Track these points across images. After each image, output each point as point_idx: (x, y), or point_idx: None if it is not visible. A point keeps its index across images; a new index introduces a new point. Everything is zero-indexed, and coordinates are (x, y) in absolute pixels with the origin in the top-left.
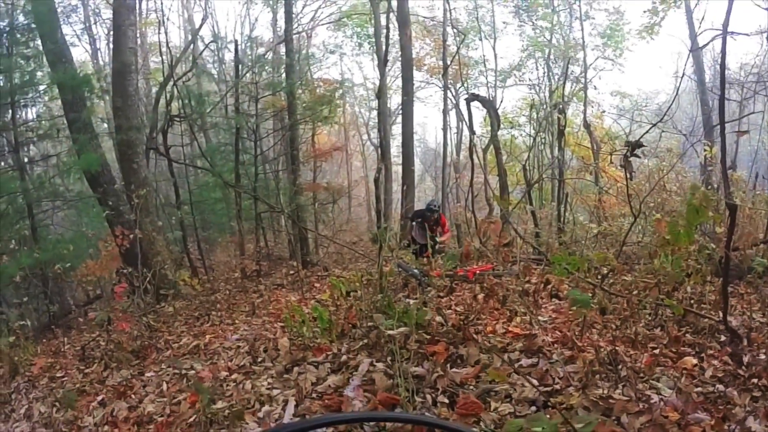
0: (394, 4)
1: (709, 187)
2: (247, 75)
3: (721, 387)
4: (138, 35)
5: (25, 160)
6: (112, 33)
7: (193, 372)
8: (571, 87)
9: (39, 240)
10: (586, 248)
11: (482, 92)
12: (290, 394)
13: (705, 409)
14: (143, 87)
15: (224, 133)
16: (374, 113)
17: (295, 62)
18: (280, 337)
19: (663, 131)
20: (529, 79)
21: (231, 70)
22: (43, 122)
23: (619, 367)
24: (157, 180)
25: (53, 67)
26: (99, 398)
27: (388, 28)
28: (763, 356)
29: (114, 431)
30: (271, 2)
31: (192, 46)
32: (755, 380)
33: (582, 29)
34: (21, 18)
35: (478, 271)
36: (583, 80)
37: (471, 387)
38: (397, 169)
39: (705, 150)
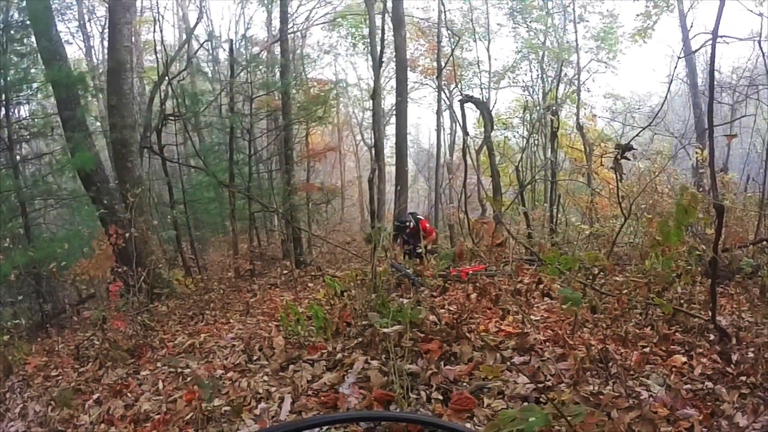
0: (389, 4)
1: (701, 189)
2: (242, 74)
3: (709, 384)
4: (133, 34)
5: (19, 158)
6: (107, 31)
7: (189, 370)
8: (565, 89)
9: (32, 239)
10: (578, 249)
11: (476, 93)
12: (286, 392)
13: (694, 406)
14: (137, 85)
15: (218, 132)
16: (368, 114)
17: (290, 62)
18: (275, 335)
19: (655, 134)
20: (523, 81)
21: (225, 70)
22: (37, 120)
23: (610, 364)
24: (151, 179)
25: (47, 65)
26: (95, 397)
27: (383, 28)
28: (751, 354)
29: (111, 429)
30: (266, 2)
31: (187, 44)
32: (744, 378)
33: (576, 32)
34: (16, 15)
35: (470, 271)
36: (576, 82)
37: (464, 384)
38: (390, 170)
39: (696, 152)
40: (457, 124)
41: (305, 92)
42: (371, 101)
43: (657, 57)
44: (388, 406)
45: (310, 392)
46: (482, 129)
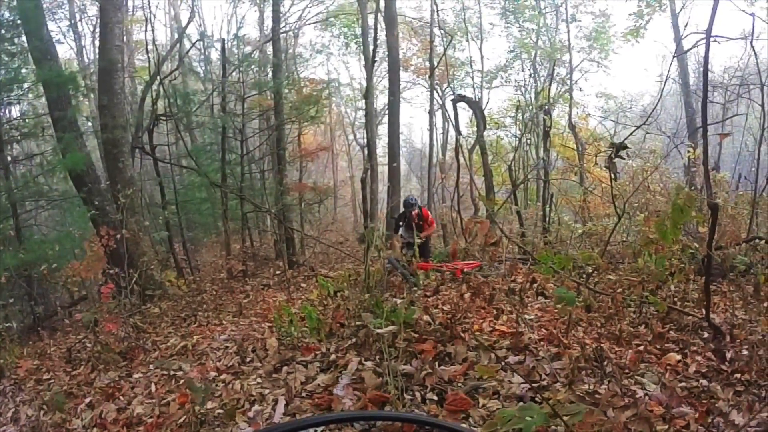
0: (382, 4)
1: (693, 187)
2: (234, 74)
3: (704, 382)
4: (124, 33)
5: (10, 158)
6: (98, 30)
7: (181, 373)
8: (557, 88)
9: (23, 240)
10: (571, 248)
11: (468, 93)
12: (280, 394)
13: (689, 403)
14: (129, 85)
15: (210, 132)
16: (360, 113)
17: (282, 61)
18: (268, 336)
19: (648, 133)
20: (516, 81)
21: (217, 69)
22: (28, 120)
23: (605, 363)
24: (142, 179)
25: (38, 65)
26: (87, 400)
27: (375, 28)
28: (745, 352)
29: None
30: (258, 1)
31: (178, 44)
32: (738, 375)
33: (568, 31)
34: (6, 14)
35: (465, 269)
36: (568, 82)
37: (459, 384)
38: (383, 169)
39: (689, 151)
40: (450, 123)
41: (297, 92)
42: (364, 101)
43: (649, 56)
44: (382, 408)
45: (304, 394)
46: (475, 128)
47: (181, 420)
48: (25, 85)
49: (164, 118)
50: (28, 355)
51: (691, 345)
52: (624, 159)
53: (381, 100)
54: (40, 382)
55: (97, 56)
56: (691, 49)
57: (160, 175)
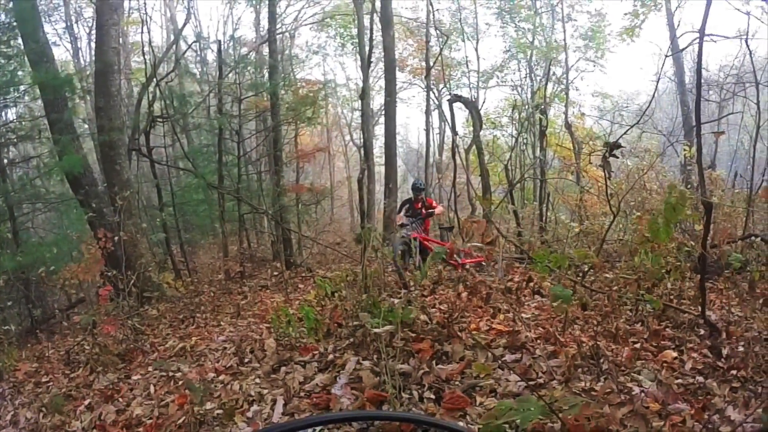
0: (378, 4)
1: (689, 186)
2: (230, 75)
3: (700, 378)
4: (120, 35)
5: (6, 161)
6: (94, 32)
7: (180, 374)
8: (553, 88)
9: (20, 243)
10: (567, 246)
11: (465, 93)
12: (278, 394)
13: (685, 400)
14: (125, 87)
15: (207, 134)
16: (357, 114)
17: (279, 63)
18: (266, 337)
19: (643, 131)
20: (512, 80)
21: (214, 71)
22: (24, 123)
23: (601, 360)
24: (139, 181)
25: (34, 67)
26: (86, 402)
27: (371, 28)
28: (741, 349)
29: None
30: (254, 2)
31: (175, 45)
32: (734, 371)
33: (564, 31)
34: (2, 16)
35: (471, 263)
36: (564, 81)
37: (456, 382)
38: (379, 170)
39: (685, 150)
40: (446, 123)
41: (294, 93)
42: (360, 101)
43: (645, 55)
44: (380, 407)
45: (302, 394)
46: (471, 128)
47: (180, 421)
48: (22, 88)
49: (161, 119)
50: (27, 358)
51: (687, 342)
52: (618, 158)
53: (377, 101)
54: (38, 385)
55: (94, 58)
56: (685, 48)
57: (157, 177)
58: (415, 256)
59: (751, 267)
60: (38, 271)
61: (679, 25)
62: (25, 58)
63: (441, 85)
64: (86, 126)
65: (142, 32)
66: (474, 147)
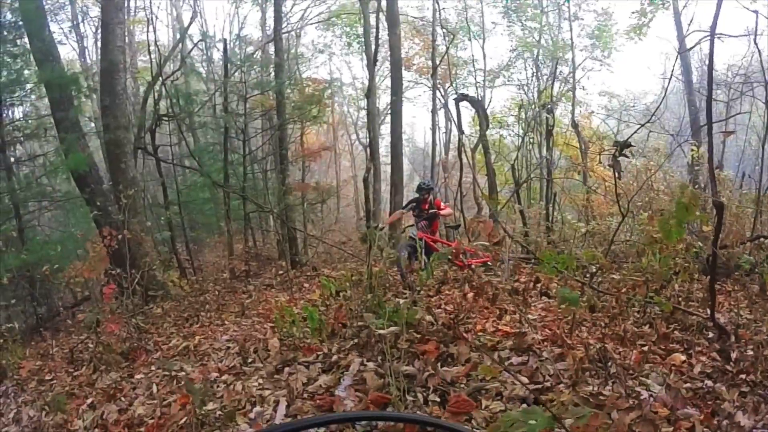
0: (384, 3)
1: (696, 186)
2: (236, 74)
3: (709, 383)
4: (126, 34)
5: (12, 159)
6: (100, 31)
7: (183, 374)
8: (560, 87)
9: (26, 241)
10: (574, 247)
11: (471, 92)
12: (281, 395)
13: (694, 405)
14: (131, 86)
15: (213, 132)
16: (363, 113)
17: (284, 61)
18: (270, 337)
19: (651, 131)
20: (518, 79)
21: (220, 69)
22: (30, 121)
23: (609, 364)
24: (145, 180)
25: (40, 66)
26: (89, 401)
27: (377, 27)
28: (750, 352)
29: None
30: (260, 1)
31: (180, 44)
32: (743, 376)
33: (571, 30)
34: (8, 15)
35: (477, 263)
36: (571, 80)
37: (462, 385)
38: (385, 169)
39: (692, 150)
40: (452, 122)
41: (300, 91)
42: (366, 100)
43: (652, 54)
44: (384, 409)
45: (305, 395)
46: (477, 127)
47: (183, 421)
48: (28, 87)
49: (166, 118)
50: (31, 356)
51: (696, 345)
52: (628, 157)
53: (383, 100)
54: (42, 383)
55: (99, 57)
56: (695, 45)
57: (163, 175)
58: (420, 257)
59: (761, 269)
60: (43, 269)
61: (692, 22)
62: (31, 57)
63: (447, 84)
64: (92, 124)
65: (147, 31)
66: (480, 146)
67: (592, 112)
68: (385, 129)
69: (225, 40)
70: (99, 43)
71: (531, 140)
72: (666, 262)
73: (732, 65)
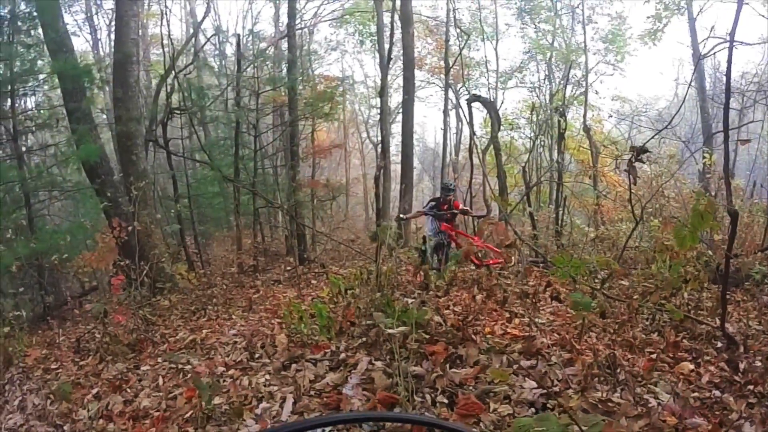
0: (398, 2)
1: (708, 194)
2: (249, 69)
3: (717, 393)
4: (140, 27)
5: (24, 149)
6: (113, 23)
7: (189, 367)
8: (572, 90)
9: (36, 230)
10: (584, 252)
11: (483, 93)
12: (288, 392)
13: (702, 415)
14: (144, 79)
15: (224, 127)
16: (373, 111)
17: (297, 58)
18: (277, 333)
19: (663, 137)
20: (530, 82)
21: (232, 64)
22: (43, 111)
23: (618, 370)
24: (155, 172)
25: (54, 57)
26: (94, 391)
27: (392, 26)
28: (759, 363)
29: (109, 425)
30: None
31: (194, 39)
32: (751, 387)
33: (584, 33)
34: (23, 6)
35: (492, 264)
36: (583, 84)
37: (470, 387)
38: (395, 168)
39: (705, 157)
40: (464, 123)
41: (312, 88)
42: (378, 99)
43: (665, 60)
44: (391, 409)
45: (312, 392)
46: (488, 129)
47: (188, 415)
48: (41, 77)
49: (178, 111)
50: (37, 344)
51: (704, 354)
52: (644, 163)
53: (395, 99)
54: (47, 371)
55: (113, 49)
56: (711, 53)
57: (173, 168)
58: (431, 258)
59: None
60: (52, 259)
61: (713, 29)
62: (45, 48)
63: (459, 85)
64: (104, 116)
65: (161, 25)
66: (491, 147)
67: (611, 116)
68: (396, 128)
69: (238, 35)
70: (112, 36)
71: (542, 143)
72: (677, 269)
73: (746, 73)
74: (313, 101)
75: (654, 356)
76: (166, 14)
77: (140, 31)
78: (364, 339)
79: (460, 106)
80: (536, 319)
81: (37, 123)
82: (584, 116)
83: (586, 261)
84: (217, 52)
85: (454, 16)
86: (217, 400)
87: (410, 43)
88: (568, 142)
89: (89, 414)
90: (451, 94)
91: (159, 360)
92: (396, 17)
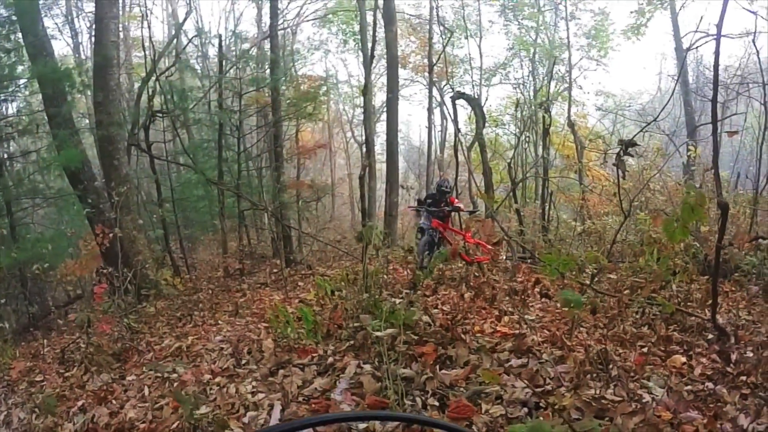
0: (380, 1)
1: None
2: (231, 70)
3: (710, 385)
4: (121, 29)
5: (5, 156)
6: (94, 26)
7: (175, 375)
8: (556, 86)
9: (18, 239)
10: (571, 246)
11: (467, 90)
12: (276, 398)
13: (696, 408)
14: (125, 82)
15: (207, 129)
16: (358, 110)
17: (280, 58)
18: (264, 338)
19: (646, 131)
20: (514, 78)
21: (215, 66)
22: (23, 117)
23: (610, 366)
24: (138, 177)
25: (34, 61)
26: (79, 404)
27: (374, 25)
28: (750, 354)
29: None
30: None
31: (175, 40)
32: (744, 378)
33: (567, 29)
34: (1, 10)
35: (482, 260)
36: (567, 80)
37: (461, 389)
38: (380, 167)
39: (690, 150)
40: (448, 120)
41: (295, 88)
42: (361, 98)
43: (647, 55)
44: None
45: (300, 398)
46: (473, 126)
47: (175, 426)
48: (21, 82)
49: (161, 114)
50: (22, 356)
51: (696, 347)
52: (632, 156)
53: (379, 98)
54: (32, 384)
55: (93, 52)
56: (699, 45)
57: (157, 172)
58: (421, 257)
59: (759, 269)
60: (35, 268)
61: (701, 20)
62: (25, 52)
63: (443, 82)
64: (86, 121)
65: (142, 27)
66: (476, 144)
67: (598, 109)
68: (381, 127)
69: (220, 36)
70: (93, 38)
71: (527, 139)
72: (665, 262)
73: (728, 66)
74: (297, 101)
75: (645, 350)
76: (147, 16)
77: (121, 33)
78: (351, 342)
79: (445, 104)
80: (525, 316)
81: (18, 129)
82: (568, 111)
83: (575, 257)
84: (199, 53)
85: (438, 14)
86: (203, 410)
87: (393, 41)
88: (553, 137)
89: (75, 427)
90: (435, 92)
91: (144, 369)
92: (379, 15)
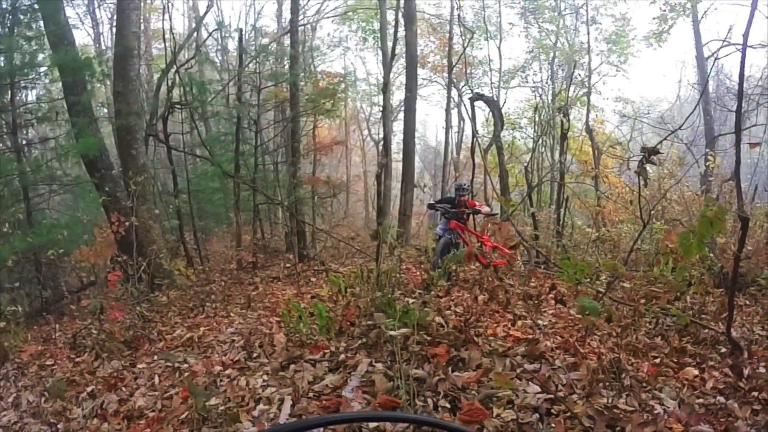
0: (401, 0)
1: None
2: (251, 65)
3: (722, 399)
4: (142, 21)
5: (23, 142)
6: (115, 16)
7: (186, 366)
8: (575, 91)
9: (34, 224)
10: (585, 253)
11: (485, 92)
12: (286, 393)
13: (707, 422)
14: (145, 73)
15: (225, 122)
16: (375, 109)
17: (299, 54)
18: (276, 332)
19: (664, 139)
20: (533, 81)
21: (234, 60)
22: (43, 105)
23: (623, 375)
24: (155, 167)
25: (55, 49)
26: (89, 389)
27: (396, 23)
28: (763, 369)
29: (103, 425)
30: None
31: (196, 33)
32: (755, 393)
33: (588, 34)
34: None
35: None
36: (586, 85)
37: (473, 392)
38: (396, 166)
39: (709, 159)
40: (466, 122)
41: (314, 85)
42: (379, 96)
43: (668, 62)
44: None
45: (311, 394)
46: (491, 128)
47: (184, 416)
48: (41, 70)
49: (179, 106)
50: (33, 340)
51: (709, 360)
52: (655, 164)
53: (397, 96)
54: (43, 368)
55: (114, 42)
56: (725, 56)
57: (173, 163)
58: (454, 250)
59: None
60: (50, 253)
61: (730, 30)
62: (46, 40)
63: (462, 83)
64: (104, 110)
65: (163, 19)
66: (493, 147)
67: (619, 115)
68: (398, 126)
69: (240, 30)
70: (114, 29)
71: (544, 143)
72: (681, 273)
73: (750, 76)
74: (315, 97)
75: (658, 361)
76: (168, 8)
77: (142, 24)
78: (364, 340)
79: (463, 105)
80: (539, 322)
81: (37, 116)
82: (587, 117)
83: (591, 264)
84: (219, 47)
85: (458, 15)
86: (213, 401)
87: (413, 40)
88: (570, 142)
89: (83, 413)
90: (453, 93)
91: (155, 358)
92: (399, 15)
